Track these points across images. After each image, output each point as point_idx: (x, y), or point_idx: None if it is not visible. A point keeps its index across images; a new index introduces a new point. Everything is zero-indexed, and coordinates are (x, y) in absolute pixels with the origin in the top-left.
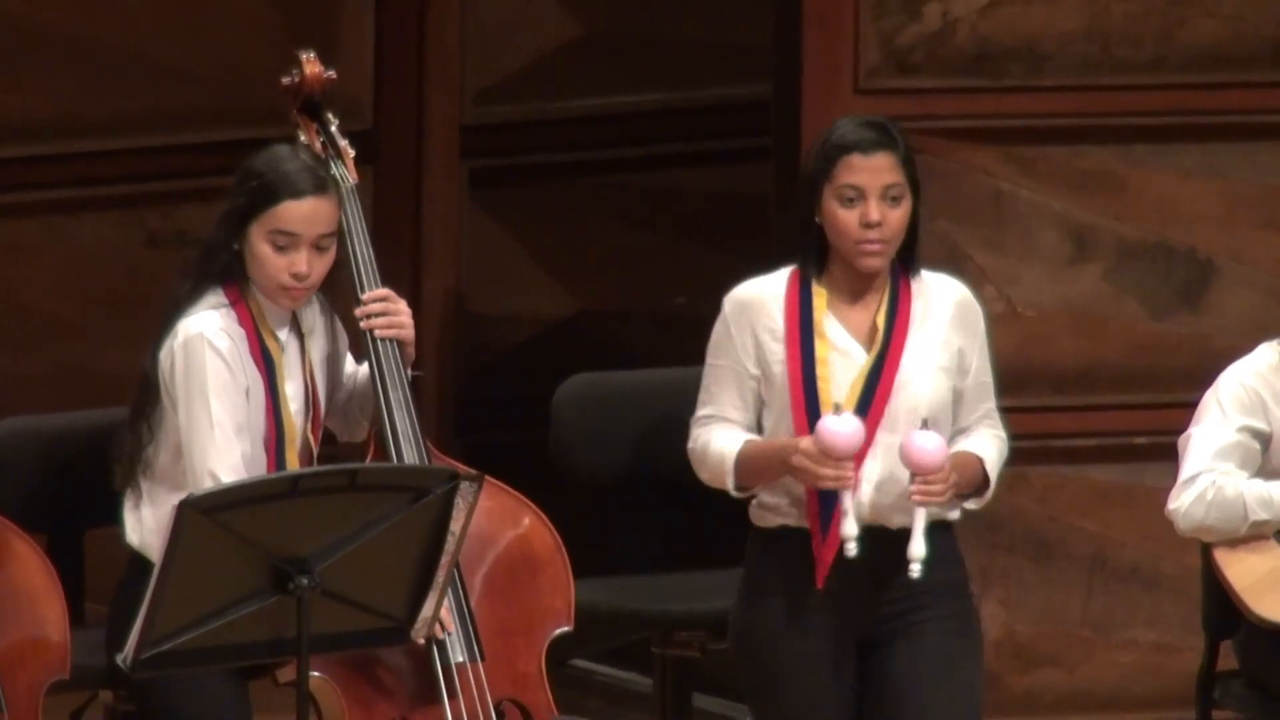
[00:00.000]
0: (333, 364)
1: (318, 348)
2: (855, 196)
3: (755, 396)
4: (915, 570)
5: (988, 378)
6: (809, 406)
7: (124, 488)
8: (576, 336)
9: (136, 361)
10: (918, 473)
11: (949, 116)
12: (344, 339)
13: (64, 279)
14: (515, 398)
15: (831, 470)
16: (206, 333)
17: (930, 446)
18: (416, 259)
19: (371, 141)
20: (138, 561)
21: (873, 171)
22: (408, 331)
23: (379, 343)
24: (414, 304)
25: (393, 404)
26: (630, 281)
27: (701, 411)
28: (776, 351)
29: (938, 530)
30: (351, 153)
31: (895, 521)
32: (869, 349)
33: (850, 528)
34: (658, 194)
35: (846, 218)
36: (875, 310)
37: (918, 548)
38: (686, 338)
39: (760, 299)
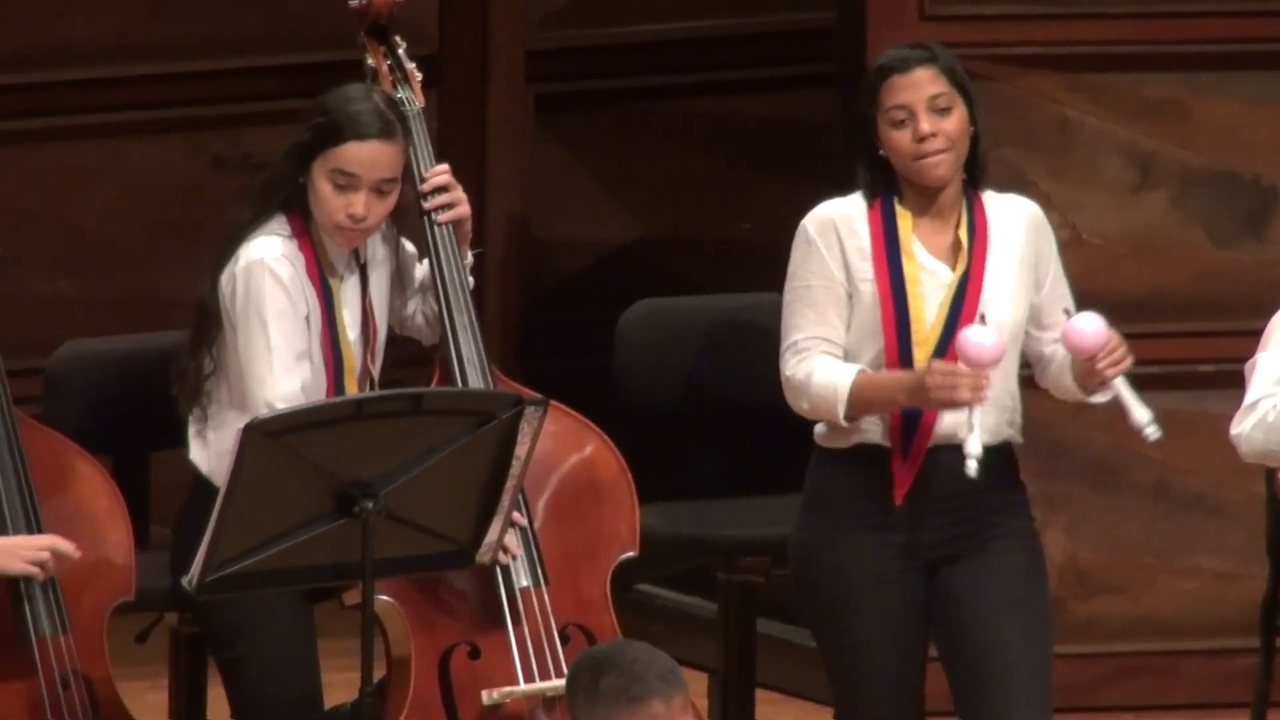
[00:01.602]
0: (400, 283)
1: (379, 277)
2: (904, 117)
3: (848, 313)
4: (1151, 434)
5: (1065, 286)
6: (899, 327)
7: (187, 413)
8: (640, 262)
9: (199, 285)
10: (1091, 353)
11: (1014, 43)
12: (411, 254)
13: (124, 202)
14: (578, 324)
15: (970, 381)
16: (267, 259)
17: (1090, 329)
18: (481, 184)
19: (436, 66)
20: (202, 484)
21: (913, 87)
22: (464, 208)
23: (445, 264)
24: (478, 229)
25: (458, 328)
26: (693, 207)
27: (796, 336)
28: (864, 270)
29: (997, 453)
30: (419, 76)
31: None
32: (953, 268)
33: (975, 446)
34: (721, 120)
35: (900, 138)
36: (955, 228)
37: (1141, 413)
38: (749, 264)
39: (845, 215)
